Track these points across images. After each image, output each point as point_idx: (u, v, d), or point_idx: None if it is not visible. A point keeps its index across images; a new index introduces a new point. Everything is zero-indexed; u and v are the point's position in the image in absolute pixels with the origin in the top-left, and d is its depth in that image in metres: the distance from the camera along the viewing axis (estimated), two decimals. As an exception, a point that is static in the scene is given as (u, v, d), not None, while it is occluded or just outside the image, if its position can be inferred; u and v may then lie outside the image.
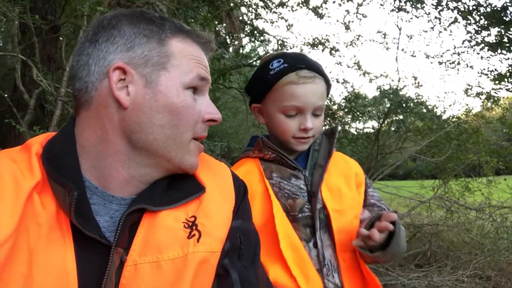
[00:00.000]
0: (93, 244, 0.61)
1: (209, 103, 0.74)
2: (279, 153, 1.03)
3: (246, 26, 6.36)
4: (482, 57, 5.52)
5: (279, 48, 7.02)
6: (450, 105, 6.86)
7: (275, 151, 1.03)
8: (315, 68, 1.01)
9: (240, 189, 0.80)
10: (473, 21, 5.07)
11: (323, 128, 1.13)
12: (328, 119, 6.22)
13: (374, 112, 7.31)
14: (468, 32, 5.26)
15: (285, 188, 1.01)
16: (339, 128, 1.16)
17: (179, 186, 0.72)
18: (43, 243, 0.57)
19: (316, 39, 6.67)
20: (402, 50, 6.27)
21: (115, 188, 0.67)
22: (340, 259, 0.97)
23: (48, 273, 0.56)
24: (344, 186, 1.04)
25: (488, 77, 5.70)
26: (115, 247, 0.61)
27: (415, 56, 6.07)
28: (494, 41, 5.20)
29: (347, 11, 6.34)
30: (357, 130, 7.34)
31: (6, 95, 3.73)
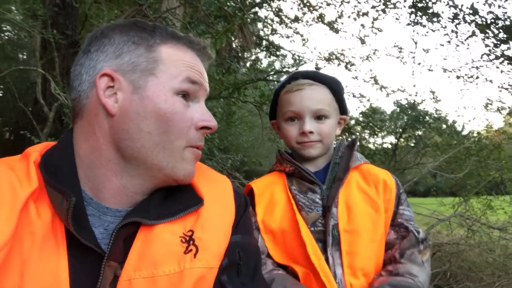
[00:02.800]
0: (88, 254, 0.60)
1: (204, 110, 0.71)
2: (296, 165, 1.03)
3: (262, 41, 6.43)
4: (502, 71, 5.39)
5: (295, 62, 7.05)
6: (469, 120, 6.67)
7: (292, 163, 1.04)
8: (313, 77, 1.06)
9: (241, 203, 0.78)
10: (491, 35, 4.97)
11: (339, 139, 1.11)
12: (346, 133, 6.16)
13: (392, 127, 7.20)
14: (487, 45, 5.16)
15: (300, 201, 1.00)
16: (358, 140, 1.13)
17: (176, 199, 0.70)
18: (36, 252, 0.56)
19: (331, 54, 6.67)
20: (419, 64, 6.18)
21: (109, 199, 0.65)
22: (347, 281, 0.92)
23: (39, 282, 0.55)
24: (361, 204, 0.99)
25: (509, 92, 5.55)
26: (107, 260, 0.60)
27: (432, 70, 5.98)
28: (515, 55, 5.08)
29: (363, 26, 6.32)
30: (375, 145, 7.23)
31: (29, 108, 3.85)
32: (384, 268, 0.96)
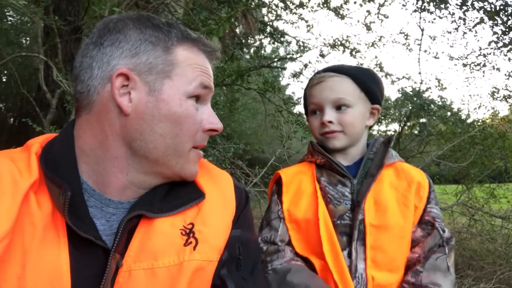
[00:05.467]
0: (90, 246, 0.60)
1: (211, 112, 0.73)
2: (328, 158, 1.03)
3: (266, 27, 6.36)
4: (509, 59, 5.31)
5: (299, 49, 6.97)
6: (475, 109, 6.60)
7: (324, 155, 1.04)
8: (334, 69, 1.05)
9: (242, 197, 0.78)
10: (500, 22, 4.88)
11: (368, 133, 1.10)
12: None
13: (396, 114, 7.17)
14: (495, 33, 5.07)
15: (329, 193, 1.00)
16: (394, 138, 1.10)
17: (178, 193, 0.71)
18: (36, 243, 0.57)
19: (336, 40, 6.60)
20: (425, 51, 6.11)
21: (113, 192, 0.66)
22: (369, 275, 0.92)
23: (40, 273, 0.56)
24: (393, 201, 0.97)
25: (516, 80, 5.48)
26: (113, 252, 0.60)
27: (438, 58, 5.91)
28: (523, 42, 4.99)
29: (368, 12, 6.23)
30: (379, 133, 7.21)
31: (33, 94, 3.85)
32: (406, 276, 0.94)
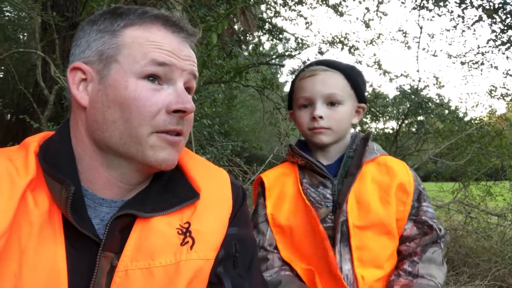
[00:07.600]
0: (86, 243, 0.61)
1: (179, 92, 0.66)
2: (307, 159, 1.02)
3: (265, 24, 6.34)
4: (507, 57, 5.32)
5: (298, 46, 6.96)
6: (472, 107, 6.59)
7: (303, 157, 1.03)
8: (327, 63, 1.05)
9: (238, 195, 0.78)
10: (498, 20, 4.88)
11: (355, 131, 1.09)
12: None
13: (394, 112, 7.16)
14: (493, 31, 5.07)
15: (311, 196, 0.99)
16: (371, 134, 1.09)
17: (173, 191, 0.70)
18: (33, 242, 0.57)
19: (335, 37, 6.59)
20: (423, 49, 6.10)
21: (102, 190, 0.66)
22: (358, 275, 0.91)
23: (38, 271, 0.56)
24: (375, 198, 0.96)
25: (514, 78, 5.48)
26: (102, 250, 0.61)
27: (436, 56, 5.91)
28: (521, 40, 5.00)
29: (367, 9, 6.22)
30: (377, 130, 7.21)
31: (31, 90, 3.83)
32: (401, 265, 0.95)
